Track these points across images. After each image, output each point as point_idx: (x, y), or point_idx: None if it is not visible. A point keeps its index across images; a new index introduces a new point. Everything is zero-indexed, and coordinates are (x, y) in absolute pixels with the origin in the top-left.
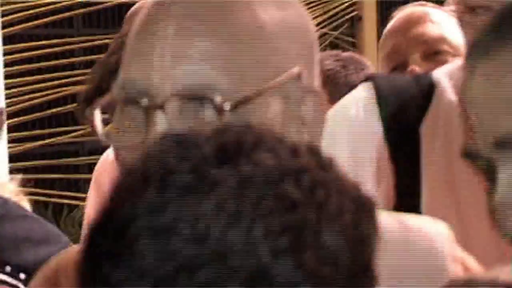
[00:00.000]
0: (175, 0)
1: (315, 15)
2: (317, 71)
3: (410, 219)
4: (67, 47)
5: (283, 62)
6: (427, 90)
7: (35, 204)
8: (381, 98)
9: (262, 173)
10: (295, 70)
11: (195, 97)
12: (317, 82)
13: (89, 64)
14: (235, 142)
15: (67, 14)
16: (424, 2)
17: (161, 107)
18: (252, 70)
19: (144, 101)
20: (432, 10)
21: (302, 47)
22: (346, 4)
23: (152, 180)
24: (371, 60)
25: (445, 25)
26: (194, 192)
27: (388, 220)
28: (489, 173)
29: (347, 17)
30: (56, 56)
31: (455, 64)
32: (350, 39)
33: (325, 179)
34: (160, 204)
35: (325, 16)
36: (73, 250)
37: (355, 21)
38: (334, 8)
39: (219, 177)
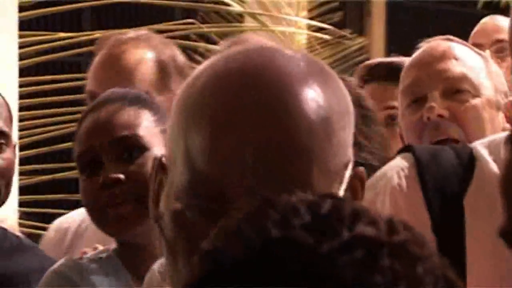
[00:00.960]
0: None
1: (324, 56)
2: None
3: None
4: (80, 82)
5: (343, 155)
6: (468, 162)
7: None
8: (423, 169)
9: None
10: (350, 162)
11: None
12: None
13: None
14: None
15: (85, 49)
16: (450, 37)
17: None
18: (326, 174)
19: None
20: (457, 46)
21: (351, 131)
22: (355, 48)
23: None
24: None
25: (468, 63)
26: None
27: None
28: None
29: (356, 60)
30: (70, 90)
31: (493, 137)
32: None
33: (422, 255)
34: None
35: (332, 59)
36: None
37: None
38: (342, 50)
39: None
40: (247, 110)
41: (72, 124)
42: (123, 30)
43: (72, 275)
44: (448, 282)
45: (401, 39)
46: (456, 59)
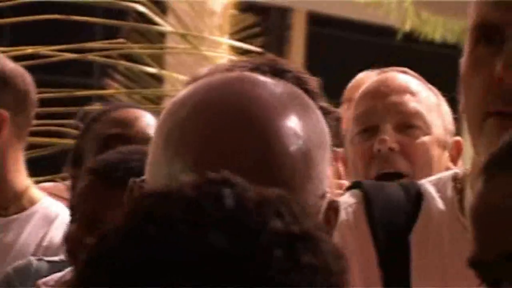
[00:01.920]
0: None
1: None
2: None
3: None
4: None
5: (321, 187)
6: (416, 199)
7: None
8: (370, 205)
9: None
10: (326, 194)
11: None
12: None
13: None
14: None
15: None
16: (406, 70)
17: None
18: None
19: None
20: (413, 81)
21: (327, 163)
22: None
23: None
24: None
25: (423, 100)
26: None
27: None
28: (492, 285)
29: None
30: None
31: (440, 175)
32: None
33: (326, 240)
34: None
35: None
36: None
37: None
38: None
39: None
40: (228, 144)
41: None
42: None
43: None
44: (341, 258)
45: (320, 66)
46: (412, 94)
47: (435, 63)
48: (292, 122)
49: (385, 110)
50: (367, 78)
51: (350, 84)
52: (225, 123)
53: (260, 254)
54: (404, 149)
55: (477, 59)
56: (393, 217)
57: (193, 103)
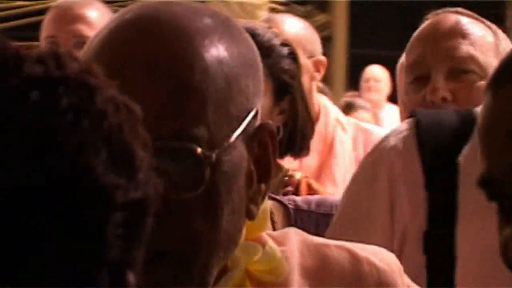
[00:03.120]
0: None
1: None
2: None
3: (360, 250)
4: None
5: (245, 102)
6: (469, 124)
7: None
8: (421, 130)
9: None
10: (254, 110)
11: (175, 148)
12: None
13: None
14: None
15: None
16: (459, 10)
17: None
18: (224, 116)
19: None
20: (465, 22)
21: (256, 83)
22: (317, 24)
23: None
24: (340, 81)
25: (477, 41)
26: None
27: (339, 252)
28: (504, 205)
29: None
30: None
31: None
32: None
33: (98, 84)
34: None
35: None
36: None
37: (326, 42)
38: None
39: None
40: (141, 57)
41: None
42: None
43: None
44: (129, 109)
45: (364, 15)
46: (463, 36)
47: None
48: (210, 36)
49: (435, 57)
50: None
51: None
52: (139, 39)
53: (15, 98)
54: (458, 97)
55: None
56: (443, 141)
57: (112, 23)
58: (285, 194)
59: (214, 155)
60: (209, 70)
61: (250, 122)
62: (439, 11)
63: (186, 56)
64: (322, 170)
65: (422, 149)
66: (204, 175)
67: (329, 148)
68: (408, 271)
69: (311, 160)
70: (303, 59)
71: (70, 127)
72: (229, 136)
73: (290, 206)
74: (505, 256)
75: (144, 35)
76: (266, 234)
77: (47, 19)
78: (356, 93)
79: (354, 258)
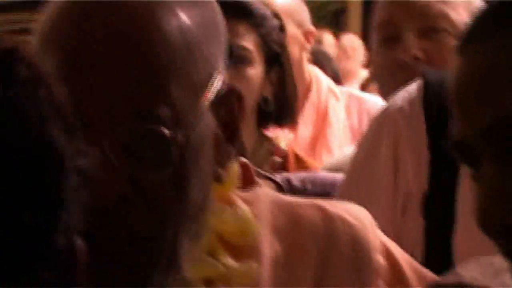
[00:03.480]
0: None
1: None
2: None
3: (332, 207)
4: None
5: (209, 68)
6: None
7: None
8: (427, 90)
9: None
10: (219, 75)
11: (140, 129)
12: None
13: None
14: None
15: None
16: None
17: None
18: (188, 88)
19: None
20: None
21: (220, 45)
22: None
23: None
24: (355, 54)
25: None
26: None
27: (311, 211)
28: (474, 166)
29: (333, 8)
30: None
31: None
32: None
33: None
34: None
35: (309, 7)
36: None
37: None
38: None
39: None
40: (98, 31)
41: None
42: None
43: None
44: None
45: None
46: None
47: None
48: (174, 15)
49: (406, 15)
50: None
51: None
52: (95, 13)
53: None
54: (430, 56)
55: None
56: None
57: None
58: (272, 164)
59: (180, 135)
60: (169, 42)
61: (215, 88)
62: None
63: (145, 30)
64: (317, 139)
65: (427, 111)
66: (172, 156)
67: (323, 117)
68: (409, 232)
69: (305, 130)
70: (293, 29)
71: (30, 98)
72: (196, 108)
73: (284, 186)
74: (481, 222)
75: (103, 10)
76: (235, 195)
77: None
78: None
79: (326, 215)
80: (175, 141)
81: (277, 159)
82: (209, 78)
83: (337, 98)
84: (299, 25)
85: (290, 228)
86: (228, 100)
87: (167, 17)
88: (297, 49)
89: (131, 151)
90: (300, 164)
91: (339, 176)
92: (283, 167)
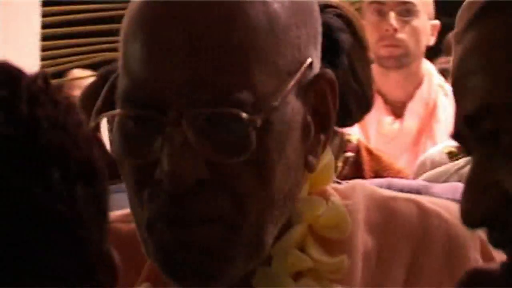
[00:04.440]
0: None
1: None
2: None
3: (429, 203)
4: (107, 13)
5: (296, 53)
6: None
7: None
8: None
9: None
10: (308, 60)
11: (219, 113)
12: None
13: None
14: None
15: None
16: None
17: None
18: (272, 73)
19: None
20: None
21: (310, 30)
22: None
23: None
24: None
25: None
26: None
27: (406, 205)
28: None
29: None
30: (95, 21)
31: None
32: None
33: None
34: None
35: None
36: None
37: None
38: None
39: None
40: (181, 14)
41: (96, 54)
42: None
43: None
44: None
45: None
46: None
47: None
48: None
49: None
50: None
51: None
52: (184, 4)
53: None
54: None
55: None
56: None
57: None
58: (345, 160)
59: (259, 119)
60: (254, 27)
61: (303, 73)
62: None
63: (230, 14)
64: (423, 133)
65: None
66: (250, 140)
67: (430, 113)
68: None
69: (411, 123)
70: (425, 21)
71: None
72: (279, 93)
73: None
74: (461, 215)
75: None
76: (331, 188)
77: None
78: (448, 58)
79: (422, 211)
80: (253, 125)
81: (349, 154)
82: (296, 63)
83: (446, 95)
84: (430, 18)
85: (384, 225)
86: (319, 86)
87: (253, 1)
88: (424, 42)
89: (209, 135)
90: (375, 159)
91: (422, 183)
92: (357, 163)
